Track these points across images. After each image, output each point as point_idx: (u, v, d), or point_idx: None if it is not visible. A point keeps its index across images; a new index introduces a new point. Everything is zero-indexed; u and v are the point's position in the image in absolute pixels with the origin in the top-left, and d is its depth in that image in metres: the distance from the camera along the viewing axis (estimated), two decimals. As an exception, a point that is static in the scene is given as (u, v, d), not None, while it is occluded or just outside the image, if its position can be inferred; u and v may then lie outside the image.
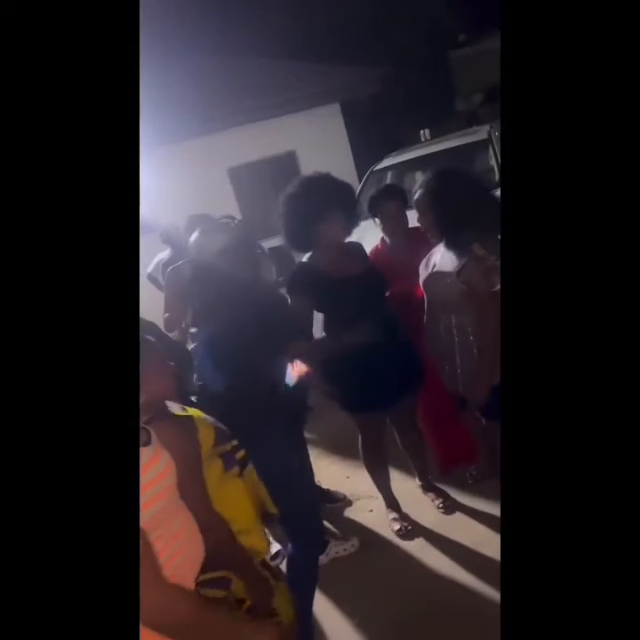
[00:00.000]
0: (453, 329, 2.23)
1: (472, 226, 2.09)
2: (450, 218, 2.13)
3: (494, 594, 2.14)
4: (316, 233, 2.28)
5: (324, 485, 3.04)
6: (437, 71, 13.68)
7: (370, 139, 9.02)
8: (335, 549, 2.57)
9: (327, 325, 2.41)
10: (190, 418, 1.53)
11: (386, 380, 2.36)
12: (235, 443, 1.60)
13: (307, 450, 2.39)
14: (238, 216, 7.81)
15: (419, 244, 2.51)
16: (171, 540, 1.26)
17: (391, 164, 5.95)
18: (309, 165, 8.70)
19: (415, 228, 2.66)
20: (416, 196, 2.25)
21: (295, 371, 2.01)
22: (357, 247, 2.51)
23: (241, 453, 1.61)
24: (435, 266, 2.26)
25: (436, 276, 2.24)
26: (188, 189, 6.98)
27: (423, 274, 2.33)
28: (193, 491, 1.40)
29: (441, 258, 2.24)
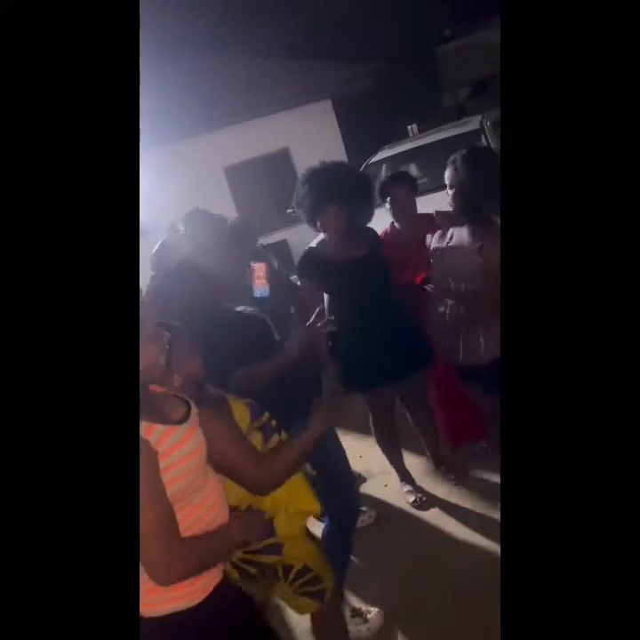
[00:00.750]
0: (463, 298, 2.34)
1: (493, 203, 2.20)
2: (476, 192, 2.22)
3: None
4: (320, 220, 2.44)
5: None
6: (424, 67, 13.80)
7: (361, 134, 9.12)
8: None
9: (330, 307, 2.55)
10: (224, 399, 1.59)
11: (391, 359, 2.49)
12: (268, 414, 1.66)
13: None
14: (235, 214, 7.93)
15: (427, 229, 2.63)
16: (199, 506, 1.26)
17: (386, 156, 6.06)
18: (303, 161, 8.81)
19: (423, 214, 2.78)
20: (448, 171, 2.34)
21: (257, 279, 2.13)
22: (366, 232, 2.62)
23: (275, 422, 1.67)
24: (451, 238, 2.37)
25: (452, 249, 2.35)
26: (185, 189, 7.06)
27: (436, 246, 2.44)
28: (244, 456, 1.42)
29: (458, 233, 2.35)
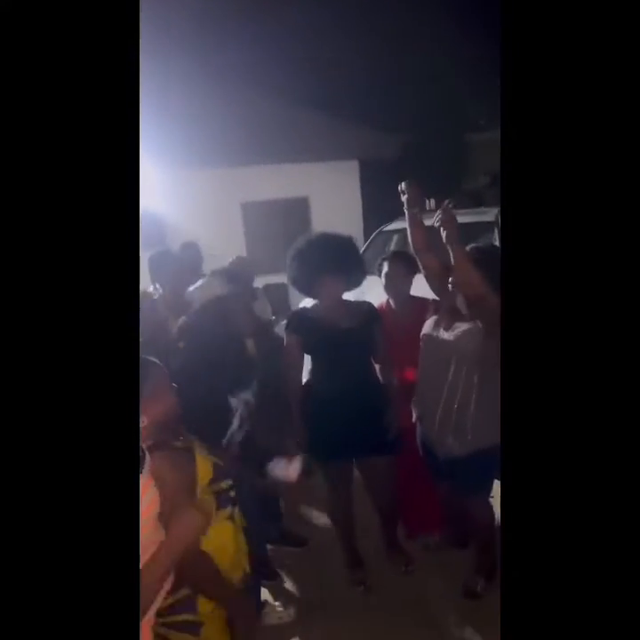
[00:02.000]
0: (459, 382, 2.31)
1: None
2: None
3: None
4: (317, 287, 2.51)
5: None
6: (453, 148, 14.26)
7: (382, 200, 9.33)
8: (270, 616, 2.51)
9: (312, 368, 2.58)
10: (190, 450, 1.53)
11: (356, 436, 2.47)
12: (230, 482, 1.61)
13: None
14: (245, 249, 8.04)
15: (420, 311, 2.65)
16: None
17: (400, 228, 6.18)
18: (320, 213, 9.00)
19: (419, 299, 2.80)
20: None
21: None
22: (361, 305, 2.64)
23: (233, 493, 1.62)
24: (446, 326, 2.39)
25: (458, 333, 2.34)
26: (201, 214, 7.15)
27: (429, 332, 2.45)
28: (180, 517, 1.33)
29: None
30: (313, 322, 2.53)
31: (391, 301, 2.89)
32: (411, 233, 2.48)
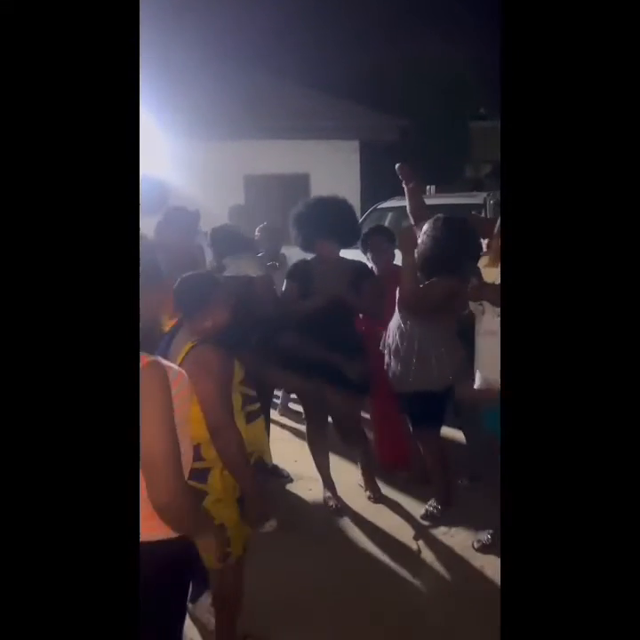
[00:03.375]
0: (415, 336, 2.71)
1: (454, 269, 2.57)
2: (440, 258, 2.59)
3: (400, 570, 2.55)
4: (315, 246, 2.89)
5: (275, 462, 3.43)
6: (456, 135, 14.47)
7: (381, 180, 9.60)
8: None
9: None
10: (230, 352, 1.84)
11: (330, 369, 2.78)
12: (254, 393, 1.92)
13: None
14: (245, 220, 8.31)
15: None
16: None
17: (394, 206, 6.49)
18: (319, 190, 9.19)
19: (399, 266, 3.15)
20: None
21: None
22: (354, 263, 2.99)
23: (255, 406, 1.91)
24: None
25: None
26: (204, 184, 7.41)
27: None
28: (222, 400, 1.72)
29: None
30: (310, 273, 2.88)
31: (374, 268, 3.25)
32: (408, 205, 2.97)
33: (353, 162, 9.15)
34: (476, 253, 2.65)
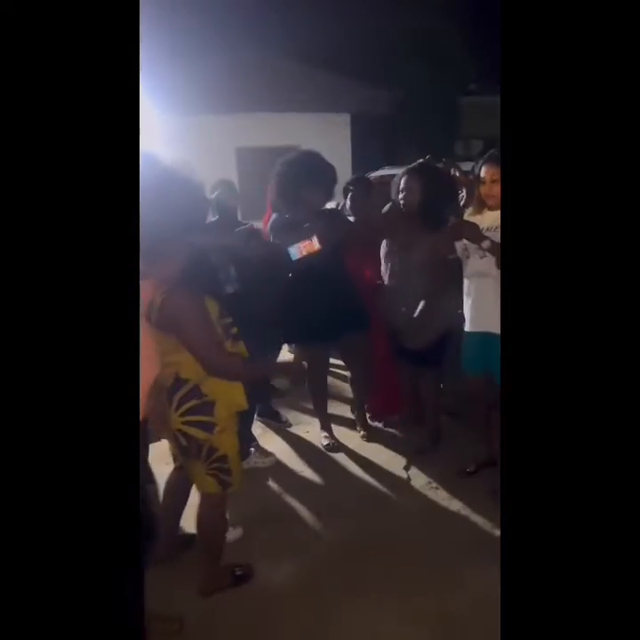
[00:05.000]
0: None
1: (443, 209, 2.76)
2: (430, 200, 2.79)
3: (391, 495, 2.77)
4: (299, 197, 2.91)
5: (275, 408, 3.65)
6: (445, 110, 14.51)
7: (371, 153, 9.74)
8: (255, 460, 3.04)
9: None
10: (200, 291, 1.91)
11: (327, 320, 2.94)
12: (230, 320, 2.00)
13: None
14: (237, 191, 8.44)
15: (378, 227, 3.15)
16: None
17: (383, 174, 6.64)
18: (310, 163, 9.37)
19: (378, 214, 3.31)
20: (408, 178, 2.89)
21: (303, 247, 2.56)
22: (331, 211, 3.14)
23: (236, 329, 2.01)
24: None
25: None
26: (197, 157, 7.50)
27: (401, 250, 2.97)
28: (211, 337, 1.82)
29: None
30: (293, 225, 2.94)
31: (354, 219, 3.39)
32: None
33: (344, 134, 9.27)
34: (454, 199, 2.83)
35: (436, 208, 2.80)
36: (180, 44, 8.60)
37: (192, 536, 2.23)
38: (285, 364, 1.99)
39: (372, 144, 10.04)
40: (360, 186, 3.41)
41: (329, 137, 8.97)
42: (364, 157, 9.29)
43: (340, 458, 3.14)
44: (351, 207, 3.39)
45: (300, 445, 3.31)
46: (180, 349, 1.83)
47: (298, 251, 2.63)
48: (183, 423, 1.90)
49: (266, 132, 8.57)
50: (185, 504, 2.29)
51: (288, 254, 2.64)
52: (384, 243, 3.10)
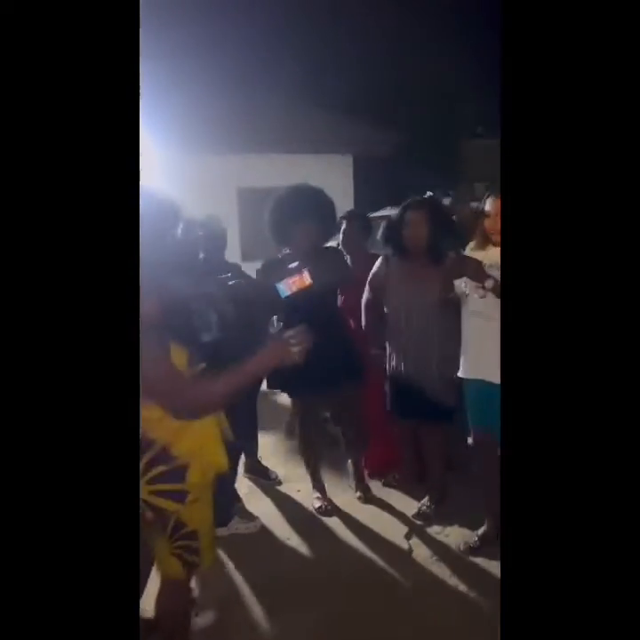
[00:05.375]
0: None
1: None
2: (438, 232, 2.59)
3: (389, 569, 2.46)
4: (293, 233, 2.71)
5: (264, 463, 3.35)
6: (449, 153, 14.59)
7: (374, 194, 9.66)
8: (237, 525, 2.74)
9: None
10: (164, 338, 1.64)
11: (321, 370, 2.62)
12: (204, 365, 1.74)
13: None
14: (238, 233, 8.34)
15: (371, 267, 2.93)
16: None
17: (385, 214, 6.50)
18: (313, 204, 9.31)
19: (373, 254, 3.09)
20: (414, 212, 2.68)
21: (293, 282, 2.33)
22: (329, 250, 2.90)
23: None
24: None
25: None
26: (198, 197, 7.41)
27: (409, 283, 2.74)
28: (175, 378, 1.54)
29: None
30: (286, 265, 2.71)
31: (348, 257, 3.16)
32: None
33: (346, 175, 9.21)
34: (455, 235, 2.63)
35: (444, 242, 2.59)
36: (182, 80, 8.64)
37: (155, 622, 1.91)
38: (275, 347, 1.61)
39: (375, 185, 9.99)
40: (354, 221, 3.18)
41: (331, 178, 8.89)
42: (366, 199, 9.19)
43: (334, 523, 2.84)
44: (343, 243, 3.18)
45: (289, 507, 3.01)
46: (144, 404, 1.57)
47: (287, 286, 2.38)
48: (150, 493, 1.62)
49: (268, 172, 8.49)
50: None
51: (277, 291, 2.40)
52: (367, 289, 2.87)
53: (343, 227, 3.15)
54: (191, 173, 7.82)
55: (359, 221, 3.19)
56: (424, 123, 12.21)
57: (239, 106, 8.94)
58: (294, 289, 2.38)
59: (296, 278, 2.39)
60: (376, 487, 3.12)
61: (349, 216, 3.23)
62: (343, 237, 3.16)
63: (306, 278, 2.38)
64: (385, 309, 2.82)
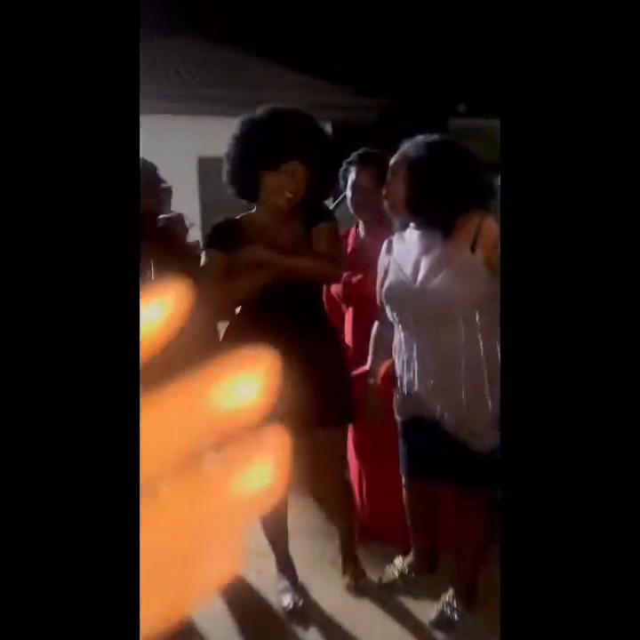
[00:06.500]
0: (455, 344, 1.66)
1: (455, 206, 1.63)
2: (433, 193, 1.60)
3: None
4: (260, 182, 1.72)
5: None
6: (430, 126, 13.93)
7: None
8: None
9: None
10: None
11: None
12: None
13: None
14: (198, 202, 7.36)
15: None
16: None
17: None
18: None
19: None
20: (392, 160, 1.70)
21: None
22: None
23: None
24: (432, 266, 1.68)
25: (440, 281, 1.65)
26: (157, 159, 6.59)
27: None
28: None
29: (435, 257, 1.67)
30: (246, 233, 1.74)
31: (359, 220, 2.14)
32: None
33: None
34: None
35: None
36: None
37: None
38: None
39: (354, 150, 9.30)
40: (370, 167, 2.03)
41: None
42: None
43: (310, 636, 1.85)
44: (355, 204, 2.08)
45: (243, 604, 1.99)
46: None
47: None
48: None
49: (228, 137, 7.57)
50: None
51: None
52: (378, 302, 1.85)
53: (351, 177, 2.06)
54: (155, 134, 6.88)
55: (379, 167, 1.95)
56: (407, 92, 11.42)
57: (204, 66, 8.11)
58: None
59: None
60: (374, 564, 2.13)
61: (362, 159, 2.09)
62: (352, 193, 2.07)
63: None
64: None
